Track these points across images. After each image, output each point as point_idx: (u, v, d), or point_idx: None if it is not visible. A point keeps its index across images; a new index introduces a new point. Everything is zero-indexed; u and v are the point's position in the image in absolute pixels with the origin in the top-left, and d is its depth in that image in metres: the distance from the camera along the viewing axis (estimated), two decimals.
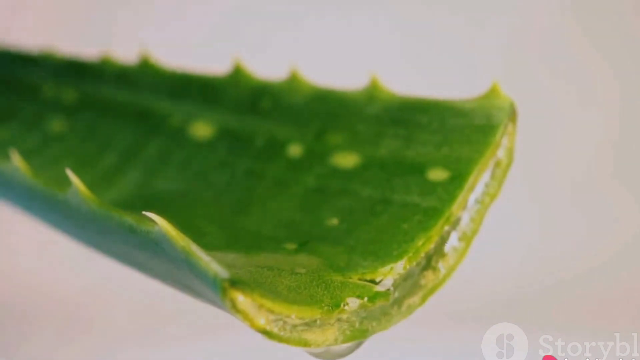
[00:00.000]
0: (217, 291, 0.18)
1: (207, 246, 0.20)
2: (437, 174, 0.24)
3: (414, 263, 0.22)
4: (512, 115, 0.23)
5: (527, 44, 0.58)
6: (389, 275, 0.22)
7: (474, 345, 0.28)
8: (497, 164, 0.23)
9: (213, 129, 0.30)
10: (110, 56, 0.34)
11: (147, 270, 0.23)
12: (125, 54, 0.34)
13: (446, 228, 0.23)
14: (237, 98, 0.30)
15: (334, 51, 0.56)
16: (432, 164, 0.24)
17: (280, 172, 0.27)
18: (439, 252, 0.22)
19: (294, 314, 0.20)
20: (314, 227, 0.25)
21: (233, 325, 0.24)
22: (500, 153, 0.23)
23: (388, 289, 0.21)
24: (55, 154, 0.32)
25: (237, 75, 0.30)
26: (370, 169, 0.25)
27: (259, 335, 0.19)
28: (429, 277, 0.22)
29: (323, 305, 0.20)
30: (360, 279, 0.22)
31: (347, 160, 0.26)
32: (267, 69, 0.31)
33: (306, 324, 0.20)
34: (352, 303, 0.21)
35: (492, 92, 0.24)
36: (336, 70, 0.37)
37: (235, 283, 0.18)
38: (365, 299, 0.21)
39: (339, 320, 0.20)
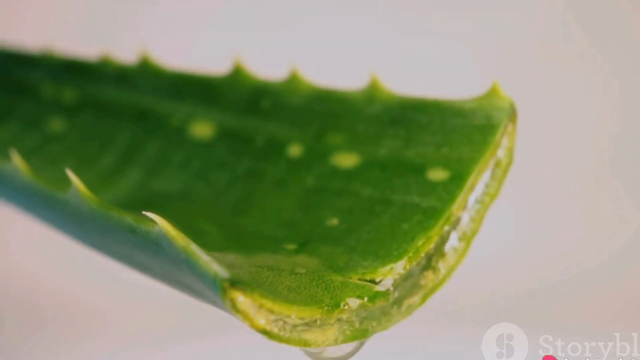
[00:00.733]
0: (217, 291, 0.18)
1: (207, 246, 0.20)
2: (437, 174, 0.24)
3: (414, 263, 0.22)
4: (512, 115, 0.23)
5: (527, 44, 0.58)
6: (389, 275, 0.22)
7: (474, 345, 0.28)
8: (497, 164, 0.23)
9: (213, 129, 0.30)
10: (110, 56, 0.34)
11: (147, 270, 0.23)
12: (125, 54, 0.34)
13: (446, 228, 0.23)
14: (237, 98, 0.30)
15: (334, 51, 0.56)
16: (432, 164, 0.24)
17: (280, 172, 0.27)
18: (439, 252, 0.22)
19: (294, 314, 0.20)
20: (314, 227, 0.25)
21: (233, 325, 0.24)
22: (500, 153, 0.23)
23: (388, 289, 0.21)
24: (55, 154, 0.32)
25: (237, 75, 0.30)
26: (370, 169, 0.25)
27: (259, 335, 0.19)
28: (429, 277, 0.22)
29: (323, 305, 0.20)
30: (360, 279, 0.22)
31: (347, 160, 0.26)
32: (267, 69, 0.31)
33: (306, 324, 0.20)
34: (352, 303, 0.21)
35: (492, 92, 0.24)
36: (336, 70, 0.37)
37: (235, 283, 0.18)
38: (365, 299, 0.21)
39: (339, 320, 0.20)
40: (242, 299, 0.19)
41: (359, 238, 0.23)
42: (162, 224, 0.19)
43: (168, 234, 0.19)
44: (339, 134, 0.26)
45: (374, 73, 0.27)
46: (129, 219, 0.21)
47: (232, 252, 0.23)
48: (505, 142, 0.23)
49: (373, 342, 0.22)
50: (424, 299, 0.22)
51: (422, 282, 0.22)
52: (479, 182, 0.23)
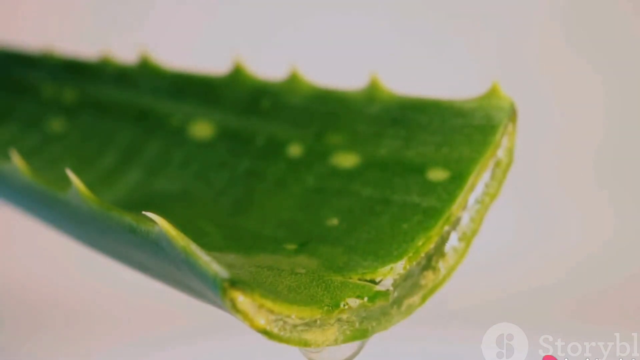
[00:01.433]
0: (217, 291, 0.18)
1: (206, 246, 0.20)
2: (437, 174, 0.24)
3: (414, 263, 0.22)
4: (512, 115, 0.23)
5: (527, 44, 0.58)
6: (389, 275, 0.22)
7: (474, 345, 0.28)
8: (497, 164, 0.23)
9: (213, 129, 0.30)
10: (110, 56, 0.34)
11: (147, 270, 0.23)
12: (125, 54, 0.34)
13: (446, 228, 0.23)
14: (237, 98, 0.30)
15: (334, 51, 0.56)
16: (432, 164, 0.24)
17: (280, 172, 0.27)
18: (439, 252, 0.22)
19: (294, 314, 0.20)
20: (314, 227, 0.25)
21: (233, 325, 0.24)
22: (500, 153, 0.23)
23: (388, 289, 0.21)
24: (55, 154, 0.32)
25: (237, 75, 0.30)
26: (370, 169, 0.25)
27: (259, 335, 0.19)
28: (429, 277, 0.22)
29: (323, 305, 0.20)
30: (360, 279, 0.22)
31: (347, 160, 0.26)
32: (267, 69, 0.31)
33: (306, 324, 0.20)
34: (352, 303, 0.21)
35: (492, 92, 0.24)
36: (336, 70, 0.37)
37: (235, 283, 0.18)
38: (365, 299, 0.21)
39: (339, 320, 0.20)
40: (242, 299, 0.19)
41: (359, 238, 0.23)
42: (162, 224, 0.19)
43: (168, 234, 0.19)
44: (339, 134, 0.26)
45: (374, 73, 0.27)
46: (129, 219, 0.21)
47: (232, 252, 0.23)
48: (505, 142, 0.23)
49: (373, 342, 0.22)
50: (424, 299, 0.22)
51: (422, 282, 0.22)
52: (479, 182, 0.23)
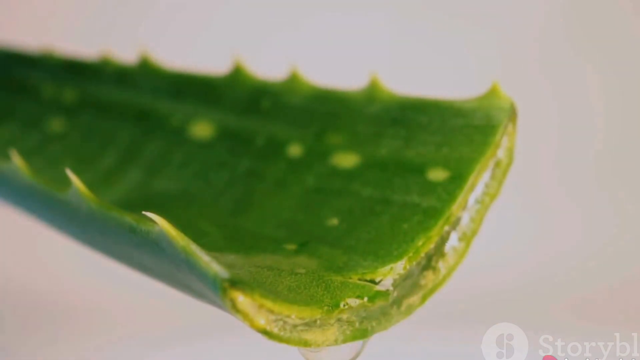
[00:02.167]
0: (217, 291, 0.18)
1: (206, 246, 0.20)
2: (437, 174, 0.24)
3: (414, 263, 0.22)
4: (512, 115, 0.23)
5: (527, 44, 0.58)
6: (389, 275, 0.22)
7: (474, 345, 0.28)
8: (497, 164, 0.23)
9: (213, 129, 0.30)
10: (110, 56, 0.34)
11: (147, 270, 0.23)
12: (125, 54, 0.34)
13: (446, 228, 0.23)
14: (237, 98, 0.30)
15: (334, 51, 0.56)
16: (432, 164, 0.24)
17: (280, 172, 0.27)
18: (439, 252, 0.22)
19: (294, 314, 0.20)
20: (314, 227, 0.25)
21: (233, 325, 0.24)
22: (500, 153, 0.23)
23: (388, 289, 0.21)
24: (55, 154, 0.32)
25: (237, 75, 0.30)
26: (370, 169, 0.25)
27: (259, 335, 0.19)
28: (429, 277, 0.22)
29: (323, 305, 0.20)
30: (360, 279, 0.22)
31: (347, 160, 0.26)
32: (267, 69, 0.31)
33: (306, 324, 0.20)
34: (352, 303, 0.21)
35: (492, 92, 0.24)
36: (336, 70, 0.37)
37: (235, 283, 0.18)
38: (365, 299, 0.21)
39: (339, 320, 0.20)
40: (242, 299, 0.19)
41: (359, 238, 0.23)
42: (162, 224, 0.19)
43: (168, 234, 0.19)
44: (339, 134, 0.26)
45: (374, 73, 0.27)
46: (129, 219, 0.21)
47: (232, 252, 0.23)
48: (505, 142, 0.23)
49: (373, 342, 0.22)
50: (423, 299, 0.22)
51: (422, 282, 0.22)
52: (479, 182, 0.23)
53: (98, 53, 0.34)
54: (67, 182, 0.23)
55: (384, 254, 0.22)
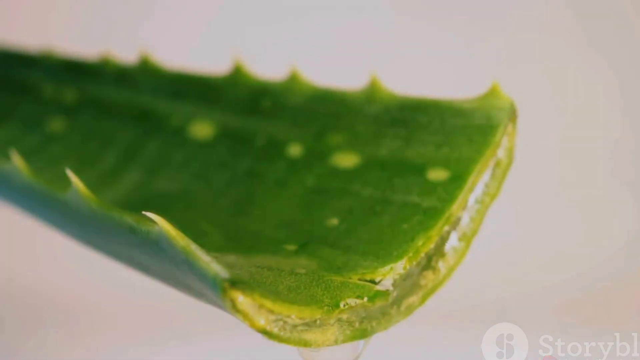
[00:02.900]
0: (217, 291, 0.18)
1: (206, 246, 0.20)
2: (437, 174, 0.24)
3: (414, 263, 0.22)
4: (512, 115, 0.23)
5: (527, 44, 0.58)
6: (388, 275, 0.22)
7: (474, 345, 0.28)
8: (497, 164, 0.23)
9: (213, 129, 0.30)
10: (110, 56, 0.34)
11: (147, 270, 0.23)
12: (125, 54, 0.34)
13: (446, 228, 0.23)
14: (237, 98, 0.30)
15: (334, 51, 0.56)
16: (432, 164, 0.24)
17: (280, 172, 0.27)
18: (439, 252, 0.22)
19: (294, 314, 0.20)
20: (314, 227, 0.25)
21: (233, 325, 0.24)
22: (500, 153, 0.23)
23: (388, 289, 0.21)
24: (55, 154, 0.32)
25: (237, 75, 0.30)
26: (370, 169, 0.25)
27: (259, 335, 0.19)
28: (429, 277, 0.22)
29: (323, 305, 0.20)
30: (360, 279, 0.22)
31: (347, 160, 0.26)
32: (267, 69, 0.31)
33: (306, 324, 0.20)
34: (352, 303, 0.21)
35: (492, 92, 0.24)
36: (336, 70, 0.37)
37: (235, 283, 0.18)
38: (365, 299, 0.21)
39: (339, 320, 0.20)
40: (242, 299, 0.19)
41: (359, 238, 0.23)
42: (162, 224, 0.19)
43: (168, 234, 0.19)
44: (339, 134, 0.26)
45: (374, 73, 0.27)
46: (129, 219, 0.21)
47: (232, 252, 0.23)
48: (505, 142, 0.23)
49: (373, 342, 0.22)
50: (423, 299, 0.22)
51: (422, 282, 0.22)
52: (479, 182, 0.23)
53: (98, 53, 0.34)
54: (67, 182, 0.23)
55: (384, 254, 0.22)
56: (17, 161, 0.25)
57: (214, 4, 0.60)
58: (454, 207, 0.23)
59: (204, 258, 0.19)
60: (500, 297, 0.47)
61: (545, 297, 0.48)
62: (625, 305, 0.47)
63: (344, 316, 0.21)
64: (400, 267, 0.22)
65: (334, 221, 0.24)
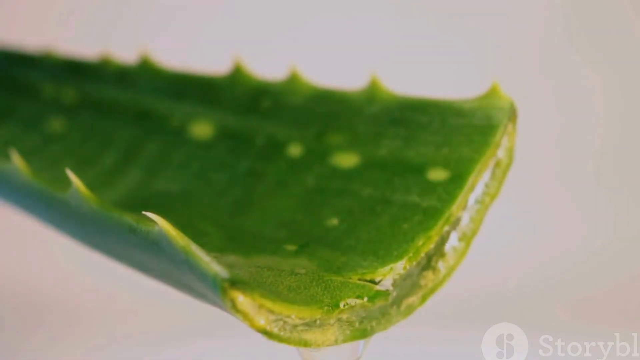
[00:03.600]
0: (217, 291, 0.18)
1: (206, 246, 0.20)
2: (437, 174, 0.24)
3: (414, 263, 0.22)
4: (512, 115, 0.23)
5: (527, 44, 0.58)
6: (388, 275, 0.22)
7: (474, 345, 0.28)
8: (497, 164, 0.23)
9: (213, 129, 0.30)
10: (110, 56, 0.34)
11: (147, 270, 0.23)
12: (125, 54, 0.34)
13: (446, 228, 0.23)
14: (237, 98, 0.30)
15: (334, 51, 0.56)
16: (432, 164, 0.24)
17: (280, 172, 0.27)
18: (439, 252, 0.22)
19: (294, 314, 0.20)
20: (314, 228, 0.25)
21: (233, 325, 0.24)
22: (500, 153, 0.23)
23: (388, 289, 0.21)
24: (55, 154, 0.32)
25: (237, 75, 0.30)
26: (370, 169, 0.25)
27: (259, 335, 0.19)
28: (429, 277, 0.22)
29: (323, 305, 0.20)
30: (360, 279, 0.22)
31: (347, 160, 0.26)
32: (267, 69, 0.31)
33: (306, 324, 0.20)
34: (352, 303, 0.21)
35: (492, 92, 0.24)
36: (336, 70, 0.37)
37: (235, 283, 0.18)
38: (365, 299, 0.21)
39: (338, 320, 0.20)
40: (242, 299, 0.19)
41: (358, 238, 0.23)
42: (162, 224, 0.19)
43: (168, 234, 0.19)
44: (339, 134, 0.26)
45: (374, 73, 0.27)
46: (129, 219, 0.21)
47: (232, 252, 0.23)
48: (505, 142, 0.23)
49: (373, 342, 0.22)
50: (423, 299, 0.22)
51: (422, 282, 0.22)
52: (479, 182, 0.23)
53: (98, 53, 0.34)
54: (67, 182, 0.23)
55: (384, 254, 0.22)
56: (17, 161, 0.25)
57: (214, 4, 0.60)
58: (454, 207, 0.23)
59: (204, 258, 0.19)
60: (500, 297, 0.47)
61: (545, 297, 0.48)
62: (625, 305, 0.48)
63: (344, 316, 0.21)
64: (400, 267, 0.22)
65: (334, 221, 0.24)
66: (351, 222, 0.24)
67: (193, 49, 0.56)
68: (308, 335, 0.20)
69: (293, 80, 0.28)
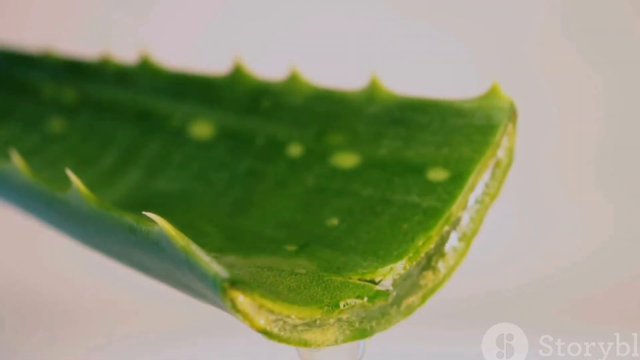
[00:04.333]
0: (217, 291, 0.18)
1: (206, 246, 0.20)
2: (437, 174, 0.24)
3: (414, 263, 0.22)
4: (512, 115, 0.23)
5: (527, 44, 0.58)
6: (388, 275, 0.22)
7: (474, 345, 0.28)
8: (497, 164, 0.23)
9: (213, 129, 0.30)
10: (110, 56, 0.34)
11: (147, 270, 0.23)
12: (125, 54, 0.34)
13: (446, 228, 0.23)
14: (237, 98, 0.30)
15: (334, 51, 0.56)
16: (432, 164, 0.24)
17: (280, 172, 0.27)
18: (439, 252, 0.22)
19: (294, 314, 0.20)
20: (314, 228, 0.25)
21: (233, 325, 0.24)
22: (500, 153, 0.23)
23: (388, 289, 0.21)
24: (55, 154, 0.32)
25: (237, 75, 0.30)
26: (370, 169, 0.25)
27: (259, 335, 0.19)
28: (428, 277, 0.22)
29: (323, 305, 0.20)
30: (360, 279, 0.22)
31: (347, 160, 0.26)
32: (267, 69, 0.31)
33: (306, 324, 0.20)
34: (352, 303, 0.21)
35: (492, 92, 0.24)
36: (336, 70, 0.37)
37: (235, 283, 0.18)
38: (365, 299, 0.21)
39: (338, 320, 0.20)
40: (242, 299, 0.19)
41: (358, 238, 0.23)
42: (162, 224, 0.19)
43: (168, 234, 0.19)
44: (339, 134, 0.26)
45: (374, 73, 0.27)
46: (129, 219, 0.21)
47: (232, 252, 0.23)
48: (505, 142, 0.23)
49: (373, 342, 0.22)
50: (423, 299, 0.22)
51: (422, 282, 0.22)
52: (479, 182, 0.23)
53: (98, 53, 0.34)
54: (67, 182, 0.23)
55: (384, 254, 0.22)
56: (17, 161, 0.25)
57: (214, 4, 0.60)
58: (454, 207, 0.23)
59: (204, 258, 0.19)
60: (500, 297, 0.47)
61: (545, 297, 0.48)
62: (625, 305, 0.48)
63: (344, 316, 0.21)
64: (400, 267, 0.22)
65: (334, 221, 0.24)
66: (351, 222, 0.24)
67: (193, 49, 0.56)
68: (308, 335, 0.20)
69: (293, 80, 0.28)
